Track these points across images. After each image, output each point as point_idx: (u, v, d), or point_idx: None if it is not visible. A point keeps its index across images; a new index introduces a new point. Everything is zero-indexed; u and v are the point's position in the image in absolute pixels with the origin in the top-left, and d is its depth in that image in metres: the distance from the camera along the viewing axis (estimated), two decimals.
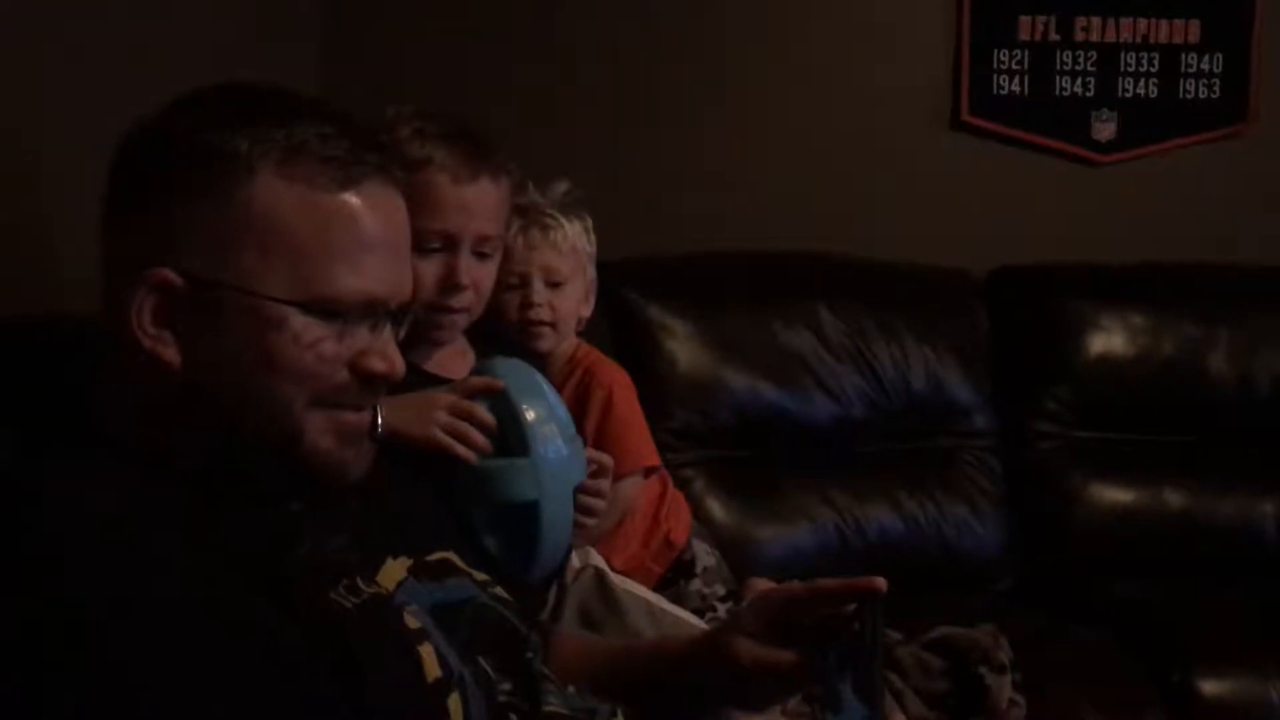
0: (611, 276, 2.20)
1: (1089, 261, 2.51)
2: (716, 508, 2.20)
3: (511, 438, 1.38)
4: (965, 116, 2.58)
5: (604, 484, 1.48)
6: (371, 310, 0.98)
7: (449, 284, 1.46)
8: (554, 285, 1.68)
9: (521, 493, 1.37)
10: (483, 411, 1.38)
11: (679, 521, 1.83)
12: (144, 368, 0.94)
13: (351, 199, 0.96)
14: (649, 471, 1.74)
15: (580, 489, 1.42)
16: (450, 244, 1.45)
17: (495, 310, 1.64)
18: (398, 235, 1.01)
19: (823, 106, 2.57)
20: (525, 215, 1.68)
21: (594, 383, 1.69)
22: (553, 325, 1.68)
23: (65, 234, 0.99)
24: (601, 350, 1.84)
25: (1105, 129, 2.61)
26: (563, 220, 1.69)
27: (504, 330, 1.66)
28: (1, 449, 0.97)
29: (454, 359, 1.55)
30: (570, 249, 1.70)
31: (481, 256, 1.49)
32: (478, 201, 1.47)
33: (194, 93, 0.99)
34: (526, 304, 1.66)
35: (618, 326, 2.22)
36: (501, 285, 1.64)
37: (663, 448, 2.19)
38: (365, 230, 0.97)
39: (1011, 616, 2.06)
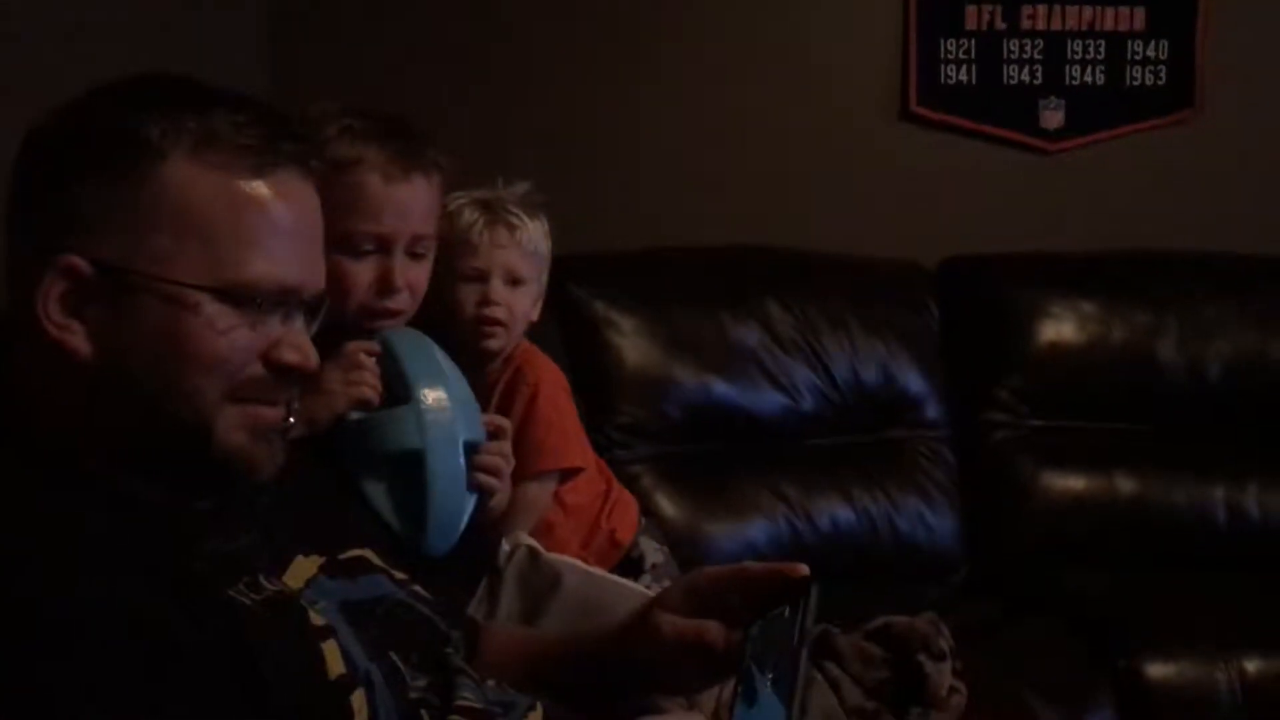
0: (558, 273, 2.17)
1: (1039, 250, 2.52)
2: (666, 503, 2.20)
3: (395, 390, 1.40)
4: (913, 107, 2.59)
5: (504, 445, 1.47)
6: (284, 299, 0.97)
7: (384, 287, 1.43)
8: (513, 285, 1.65)
9: (405, 440, 1.37)
10: (368, 359, 1.40)
11: (624, 521, 1.81)
12: (51, 359, 0.93)
13: (264, 187, 0.96)
14: (568, 474, 1.71)
15: (477, 449, 1.42)
16: (384, 245, 1.43)
17: (447, 305, 1.62)
18: (311, 225, 1.01)
19: (770, 99, 2.56)
20: (490, 211, 1.65)
21: (522, 380, 1.66)
22: (507, 325, 1.65)
23: None
24: (550, 347, 1.82)
25: (1053, 117, 2.61)
26: (527, 220, 1.67)
27: (455, 327, 1.63)
28: None
29: None
30: (533, 250, 1.67)
31: (416, 256, 1.46)
32: (411, 201, 1.44)
33: (108, 81, 0.98)
34: (485, 300, 1.63)
35: (565, 323, 2.21)
36: (459, 279, 1.63)
37: (611, 444, 2.20)
38: (278, 218, 0.96)
39: (964, 607, 2.06)
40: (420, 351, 1.45)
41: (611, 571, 1.75)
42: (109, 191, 0.93)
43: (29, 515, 0.88)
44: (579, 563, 1.56)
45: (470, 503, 1.42)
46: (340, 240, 1.39)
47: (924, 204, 2.59)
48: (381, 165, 1.42)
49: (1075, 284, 2.46)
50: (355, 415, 1.40)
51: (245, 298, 0.94)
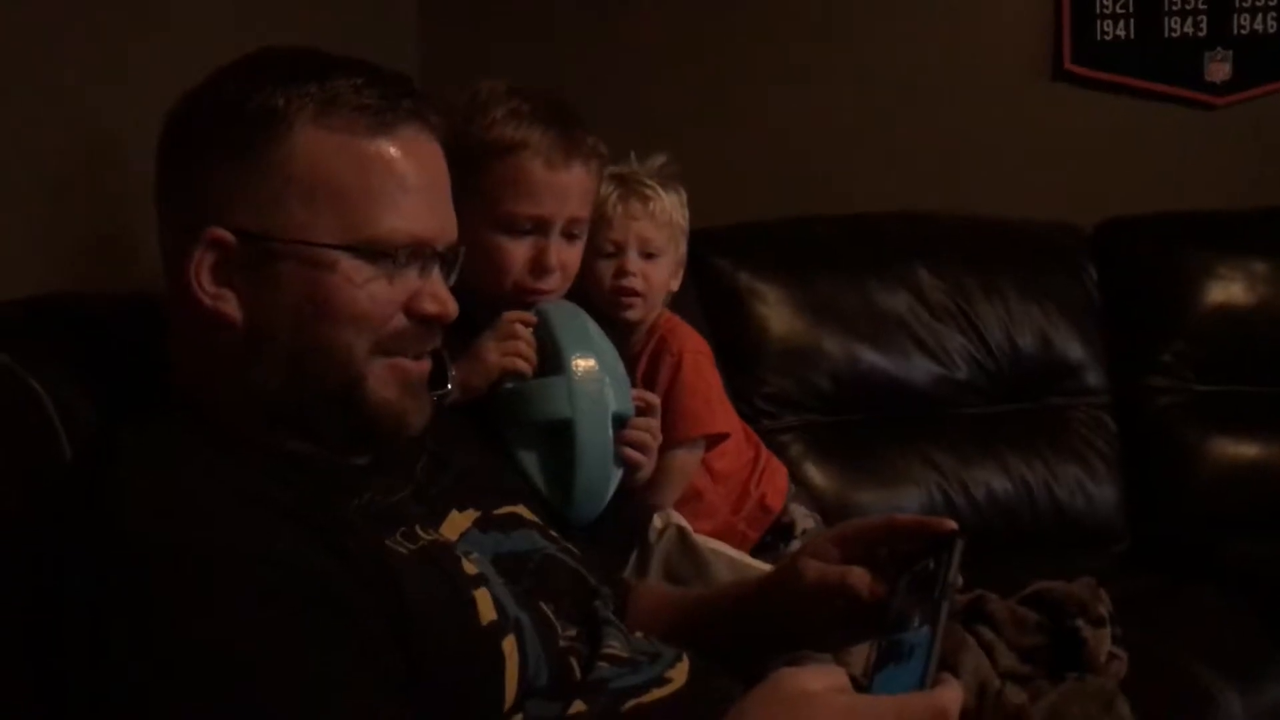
0: (700, 245, 2.18)
1: (1204, 209, 2.41)
2: (815, 472, 2.17)
3: (548, 361, 1.44)
4: (1068, 65, 2.50)
5: (653, 422, 1.49)
6: (418, 251, 1.01)
7: (539, 266, 1.48)
8: (649, 256, 1.68)
9: (555, 409, 1.41)
10: (524, 329, 1.45)
11: (774, 487, 1.81)
12: (208, 327, 0.98)
13: (388, 144, 1.00)
14: (714, 440, 1.71)
15: (626, 423, 1.44)
16: (542, 227, 1.47)
17: (585, 278, 1.65)
18: (436, 178, 1.04)
19: (920, 61, 2.51)
20: (624, 184, 1.68)
21: (666, 349, 1.68)
22: (644, 296, 1.68)
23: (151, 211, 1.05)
24: (692, 319, 1.83)
25: (1220, 69, 2.49)
26: (661, 192, 1.69)
27: (594, 299, 1.67)
28: (87, 417, 1.04)
29: None
30: (667, 221, 1.69)
31: (570, 238, 1.51)
32: (571, 186, 1.48)
33: (232, 61, 1.03)
34: (621, 272, 1.66)
35: (707, 295, 2.20)
36: (596, 252, 1.65)
37: (758, 414, 2.19)
38: (403, 173, 1.00)
39: (1127, 577, 1.99)
40: (574, 324, 1.48)
41: (763, 537, 1.77)
42: (242, 164, 0.97)
43: (197, 477, 0.93)
44: (727, 548, 1.59)
45: (616, 475, 1.45)
46: (500, 219, 1.46)
47: (1081, 165, 2.50)
48: (545, 151, 1.46)
49: (1244, 243, 2.34)
50: (509, 384, 1.44)
51: (380, 252, 0.98)
